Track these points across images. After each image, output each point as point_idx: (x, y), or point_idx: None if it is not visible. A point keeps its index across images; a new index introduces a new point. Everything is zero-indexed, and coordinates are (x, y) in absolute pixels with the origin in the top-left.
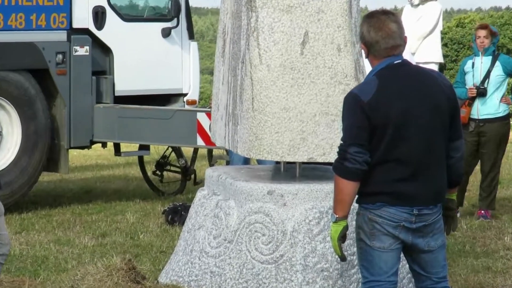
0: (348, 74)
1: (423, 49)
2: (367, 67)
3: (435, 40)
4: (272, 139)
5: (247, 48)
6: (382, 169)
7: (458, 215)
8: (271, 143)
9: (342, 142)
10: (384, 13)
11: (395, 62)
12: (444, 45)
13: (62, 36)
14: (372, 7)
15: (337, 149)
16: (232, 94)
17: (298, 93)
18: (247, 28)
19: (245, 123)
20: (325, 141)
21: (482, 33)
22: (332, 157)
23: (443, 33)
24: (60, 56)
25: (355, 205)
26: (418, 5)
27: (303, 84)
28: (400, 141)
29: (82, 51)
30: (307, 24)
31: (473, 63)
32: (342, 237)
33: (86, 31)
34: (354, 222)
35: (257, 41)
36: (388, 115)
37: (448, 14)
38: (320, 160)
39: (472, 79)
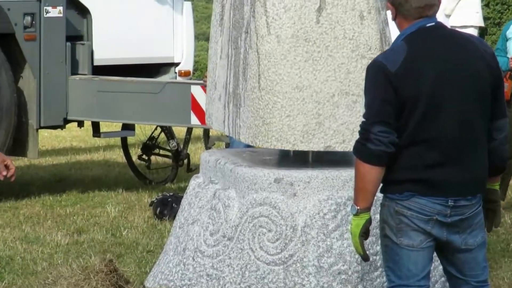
0: (372, 46)
1: (460, 11)
2: (394, 35)
3: (474, 0)
4: (282, 124)
5: (252, 16)
6: (411, 152)
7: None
8: (281, 129)
9: (364, 119)
10: None
11: (428, 25)
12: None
13: None
14: None
15: (359, 128)
16: (233, 70)
17: (313, 69)
18: None
19: (249, 105)
20: (345, 126)
21: None
22: (353, 145)
23: None
24: (28, 18)
25: (379, 196)
26: None
27: (319, 59)
28: (433, 118)
29: (54, 12)
30: None
31: None
32: (365, 233)
33: None
34: (378, 216)
35: (264, 6)
36: (419, 87)
37: None
38: (339, 149)
39: None
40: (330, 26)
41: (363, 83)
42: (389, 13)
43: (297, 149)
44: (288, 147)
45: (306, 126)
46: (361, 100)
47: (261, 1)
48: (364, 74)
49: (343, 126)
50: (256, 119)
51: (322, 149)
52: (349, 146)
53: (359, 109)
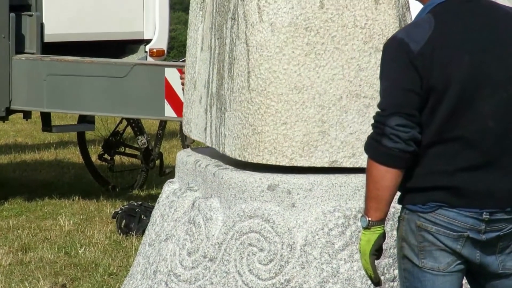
0: (389, 36)
1: None
2: (416, 10)
3: None
4: (277, 133)
5: None
6: (438, 152)
7: None
8: (276, 139)
9: (379, 110)
10: None
11: None
12: None
13: None
14: None
15: (372, 121)
16: (216, 66)
17: (316, 65)
18: None
19: (236, 109)
20: (355, 136)
21: None
22: (366, 160)
23: None
24: None
25: (397, 208)
26: None
27: (323, 52)
28: (467, 110)
29: None
30: None
31: None
32: (377, 251)
33: None
34: (395, 232)
35: None
36: (449, 71)
37: None
38: (348, 164)
39: None
40: (337, 12)
41: (378, 82)
42: None
43: (295, 164)
44: (284, 162)
45: (306, 136)
46: (376, 103)
47: None
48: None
49: (353, 136)
50: (245, 127)
51: (326, 165)
52: (360, 161)
53: (373, 114)
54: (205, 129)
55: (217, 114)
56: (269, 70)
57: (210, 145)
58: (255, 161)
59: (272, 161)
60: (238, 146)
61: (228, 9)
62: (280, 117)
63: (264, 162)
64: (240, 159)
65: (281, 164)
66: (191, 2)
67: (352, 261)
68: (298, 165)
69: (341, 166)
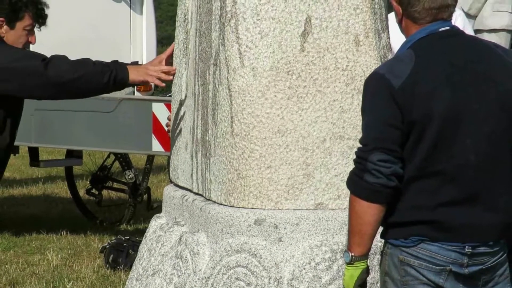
0: None
1: (489, 11)
2: (398, 43)
3: None
4: (262, 177)
5: (221, 44)
6: (420, 186)
7: None
8: (261, 183)
9: (361, 145)
10: None
11: (441, 29)
12: None
13: None
14: None
15: (354, 157)
16: (201, 112)
17: (298, 109)
18: (220, 14)
19: (221, 154)
20: (339, 178)
21: None
22: None
23: None
24: None
25: (380, 241)
26: None
27: (305, 95)
28: (447, 145)
29: None
30: (309, 5)
31: None
32: (361, 286)
33: None
34: (378, 267)
35: (236, 32)
36: (430, 106)
37: None
38: (333, 206)
39: None
40: (318, 55)
41: (361, 123)
42: (391, 16)
43: (281, 208)
44: (270, 205)
45: (291, 179)
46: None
47: (231, 25)
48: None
49: (337, 178)
50: (230, 171)
51: (312, 207)
52: (345, 203)
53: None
54: (191, 175)
55: (203, 159)
56: (252, 114)
57: (196, 191)
58: (240, 205)
59: (258, 205)
60: (223, 191)
61: (210, 55)
62: (265, 161)
63: (250, 206)
64: (226, 204)
65: (266, 208)
66: (174, 49)
67: None
68: (284, 208)
69: (326, 208)
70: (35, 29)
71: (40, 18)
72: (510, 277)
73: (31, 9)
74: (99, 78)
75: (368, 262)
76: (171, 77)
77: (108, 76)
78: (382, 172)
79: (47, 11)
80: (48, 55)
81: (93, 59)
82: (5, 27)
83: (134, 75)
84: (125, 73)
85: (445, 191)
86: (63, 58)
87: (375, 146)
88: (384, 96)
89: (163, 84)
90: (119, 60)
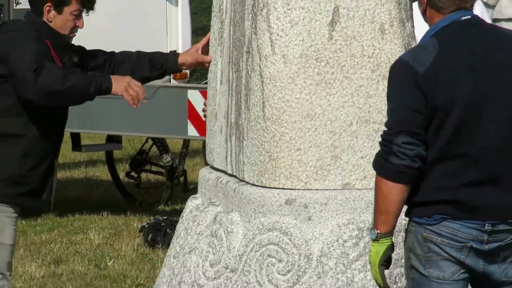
0: None
1: (507, 1)
2: (421, 32)
3: None
4: (292, 159)
5: (253, 33)
6: (444, 168)
7: None
8: (291, 165)
9: (386, 129)
10: None
11: (463, 18)
12: None
13: None
14: None
15: (380, 139)
16: (235, 97)
17: (326, 94)
18: (253, 4)
19: (253, 137)
20: (366, 160)
21: None
22: None
23: None
24: None
25: (405, 219)
26: None
27: (333, 81)
28: (470, 129)
29: (26, 3)
30: None
31: None
32: (386, 261)
33: None
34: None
35: (267, 21)
36: (453, 92)
37: None
38: (359, 186)
39: None
40: (345, 43)
41: (386, 108)
42: (415, 6)
43: (310, 188)
44: (299, 186)
45: (320, 160)
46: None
47: (263, 14)
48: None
49: (364, 160)
50: (262, 154)
51: (339, 187)
52: (371, 183)
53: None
54: (226, 157)
55: (236, 143)
56: (283, 99)
57: (231, 173)
58: (272, 186)
59: (288, 185)
60: (256, 172)
61: (243, 43)
62: (294, 144)
63: (280, 186)
64: (258, 184)
65: (296, 189)
66: (210, 38)
67: (366, 271)
68: (313, 188)
69: (353, 188)
70: (83, 14)
71: (88, 3)
72: None
73: None
74: (86, 89)
75: (392, 239)
76: (142, 100)
77: (94, 87)
78: (406, 154)
79: None
80: (87, 43)
81: (132, 49)
82: (52, 12)
83: (115, 87)
84: (109, 84)
85: (467, 173)
86: (55, 69)
87: (400, 129)
88: (409, 82)
89: (132, 101)
90: (159, 50)
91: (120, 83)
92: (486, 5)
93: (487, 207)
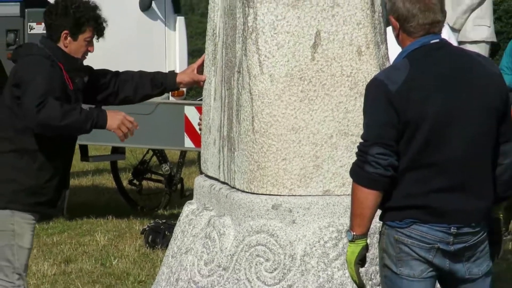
0: None
1: (471, 25)
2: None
3: (486, 13)
4: (278, 168)
5: (244, 54)
6: (413, 176)
7: (509, 236)
8: (277, 173)
9: (362, 141)
10: None
11: (432, 42)
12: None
13: (13, 9)
14: None
15: (356, 150)
16: (227, 113)
17: (309, 109)
18: (243, 29)
19: (243, 149)
20: (344, 169)
21: None
22: None
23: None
24: (11, 35)
25: (379, 223)
26: None
27: (315, 98)
28: (438, 142)
29: (39, 28)
30: (318, 21)
31: None
32: (361, 260)
33: (45, 4)
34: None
35: (256, 44)
36: (421, 110)
37: None
38: (339, 192)
39: None
40: (326, 63)
41: (362, 122)
42: (389, 30)
43: (294, 194)
44: (284, 192)
45: (303, 169)
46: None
47: (252, 38)
48: None
49: (342, 169)
50: (251, 163)
51: (321, 194)
52: (349, 190)
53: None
54: (219, 167)
55: (228, 153)
56: (270, 114)
57: (223, 181)
58: (260, 192)
59: (275, 191)
60: (245, 180)
61: (235, 64)
62: (280, 154)
63: (267, 193)
64: (247, 191)
65: (281, 194)
66: (205, 59)
67: (345, 269)
68: (297, 194)
69: (333, 194)
70: (94, 39)
71: (99, 31)
72: (489, 253)
73: (92, 24)
74: (82, 125)
75: (367, 240)
76: (132, 135)
77: (90, 124)
78: (380, 163)
79: (105, 25)
80: (95, 64)
81: (135, 68)
82: (69, 38)
83: (109, 124)
84: (104, 121)
85: (436, 181)
86: (56, 106)
87: (375, 141)
88: (383, 99)
89: (122, 137)
90: (159, 70)
91: (114, 120)
92: (452, 29)
93: (453, 212)
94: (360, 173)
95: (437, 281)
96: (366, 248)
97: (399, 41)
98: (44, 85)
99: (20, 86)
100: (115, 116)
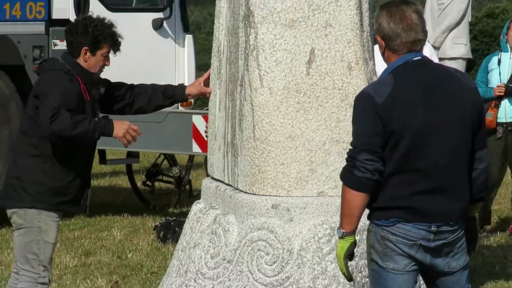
0: None
1: (449, 43)
2: (381, 68)
3: (463, 32)
4: (277, 172)
5: (245, 69)
6: (397, 180)
7: (484, 233)
8: (276, 176)
9: (351, 147)
10: (403, 2)
11: (414, 59)
12: (474, 38)
13: (39, 28)
14: None
15: (346, 156)
16: (230, 122)
17: (304, 119)
18: (245, 47)
19: (246, 154)
20: (336, 172)
21: None
22: None
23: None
24: (37, 51)
25: (367, 221)
26: None
27: (310, 109)
28: (419, 150)
29: (62, 45)
30: (313, 40)
31: (499, 60)
32: (349, 255)
33: (66, 23)
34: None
35: (257, 61)
36: (405, 120)
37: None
38: (331, 194)
39: (499, 77)
40: (319, 78)
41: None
42: (376, 48)
43: (291, 195)
44: (283, 193)
45: (299, 173)
46: None
47: (253, 55)
48: None
49: (334, 172)
50: (252, 167)
51: (315, 195)
52: (341, 191)
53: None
54: (224, 170)
55: (232, 158)
56: (269, 123)
57: (227, 183)
58: (260, 193)
59: (274, 193)
60: (247, 182)
61: (238, 78)
62: (279, 159)
63: (267, 194)
64: (249, 192)
65: (280, 196)
66: (211, 73)
67: (337, 262)
68: (294, 195)
69: (326, 195)
70: (111, 54)
71: (116, 46)
72: (466, 249)
73: (109, 40)
74: (91, 135)
75: (356, 237)
76: (135, 141)
77: (98, 133)
78: (367, 168)
79: (120, 40)
80: (113, 77)
81: (148, 82)
82: (88, 54)
83: (116, 132)
84: (111, 130)
85: (417, 185)
86: (67, 118)
87: (362, 148)
88: (370, 111)
89: (126, 144)
90: (169, 83)
91: (120, 129)
92: (433, 47)
93: (433, 212)
94: (349, 177)
95: (419, 274)
96: (354, 244)
97: (385, 58)
98: (59, 98)
99: (39, 97)
100: (121, 126)
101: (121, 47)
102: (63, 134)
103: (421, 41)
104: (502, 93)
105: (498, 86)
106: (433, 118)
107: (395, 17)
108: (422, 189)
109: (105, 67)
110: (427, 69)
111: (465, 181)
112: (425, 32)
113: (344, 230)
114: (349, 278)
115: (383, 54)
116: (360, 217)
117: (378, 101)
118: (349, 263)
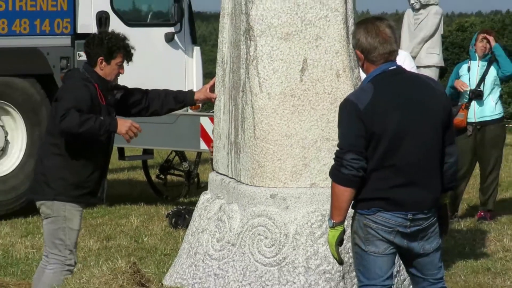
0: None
1: (424, 53)
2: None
3: (436, 43)
4: (274, 166)
5: (247, 77)
6: (378, 175)
7: (455, 219)
8: (274, 170)
9: (339, 148)
10: (377, 19)
11: (390, 68)
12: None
13: (66, 41)
14: (374, 11)
15: (334, 156)
16: (233, 123)
17: (299, 120)
18: (246, 57)
19: (247, 151)
20: (327, 167)
21: (491, 38)
22: None
23: (444, 37)
24: (64, 61)
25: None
26: (419, 9)
27: (303, 111)
28: (396, 149)
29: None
30: (305, 51)
31: (468, 67)
32: (340, 242)
33: None
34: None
35: (256, 69)
36: (384, 124)
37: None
38: (322, 185)
39: (468, 82)
40: (312, 84)
41: None
42: None
43: (287, 186)
44: (280, 185)
45: (294, 167)
46: None
47: (254, 64)
48: None
49: (325, 167)
50: (253, 163)
51: (308, 186)
52: (330, 183)
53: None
54: (228, 165)
55: (235, 155)
56: (268, 124)
57: (231, 176)
58: (260, 185)
59: (272, 184)
60: (249, 176)
61: (240, 85)
62: (276, 156)
63: (266, 185)
64: (250, 184)
65: (277, 187)
66: (216, 81)
67: (327, 245)
68: (289, 186)
69: (318, 186)
70: (124, 63)
71: (128, 57)
72: (438, 233)
73: (122, 51)
74: (97, 132)
75: (345, 225)
76: (136, 136)
77: (103, 130)
78: (353, 166)
79: (133, 51)
80: (130, 83)
81: (160, 88)
82: (104, 63)
83: (119, 129)
84: (115, 127)
85: (395, 179)
86: (76, 117)
87: (348, 149)
88: (354, 116)
89: (128, 140)
90: (180, 89)
91: (123, 127)
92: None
93: (409, 202)
94: (337, 175)
95: (397, 256)
96: (343, 232)
97: (364, 69)
98: (71, 101)
99: (57, 101)
100: (124, 124)
101: (137, 58)
102: (71, 131)
103: (395, 52)
104: (465, 88)
105: (460, 82)
106: (407, 122)
107: (372, 33)
108: (399, 183)
109: (121, 75)
110: (402, 78)
111: (437, 174)
112: (398, 43)
113: (334, 221)
114: (340, 262)
115: (362, 66)
116: (348, 209)
117: (360, 107)
118: (340, 248)
